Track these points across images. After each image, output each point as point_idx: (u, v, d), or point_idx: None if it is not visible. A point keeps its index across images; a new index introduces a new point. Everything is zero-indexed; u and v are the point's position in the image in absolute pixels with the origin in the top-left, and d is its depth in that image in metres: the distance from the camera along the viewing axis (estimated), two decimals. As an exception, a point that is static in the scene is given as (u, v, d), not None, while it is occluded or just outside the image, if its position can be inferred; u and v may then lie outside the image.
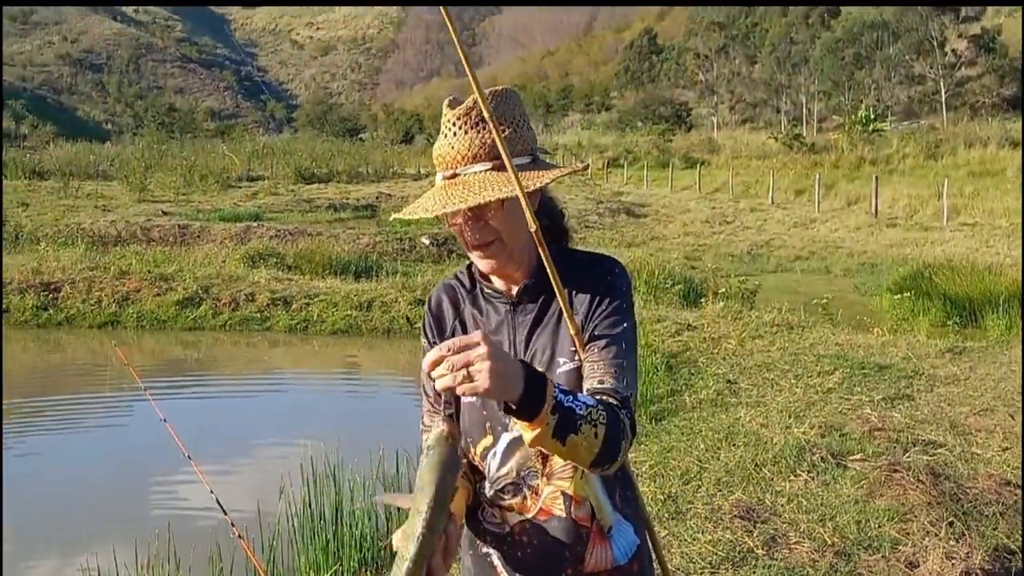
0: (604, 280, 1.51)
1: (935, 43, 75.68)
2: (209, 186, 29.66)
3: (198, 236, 18.05)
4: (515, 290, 1.54)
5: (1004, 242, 15.68)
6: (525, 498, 1.50)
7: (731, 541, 3.91)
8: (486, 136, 1.41)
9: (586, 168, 1.61)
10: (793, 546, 3.84)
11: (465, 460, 1.54)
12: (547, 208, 1.59)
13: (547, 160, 1.54)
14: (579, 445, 1.27)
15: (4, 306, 10.69)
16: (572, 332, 1.43)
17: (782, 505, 4.31)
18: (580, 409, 1.27)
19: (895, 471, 4.54)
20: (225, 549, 3.72)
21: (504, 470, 1.51)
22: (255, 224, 19.03)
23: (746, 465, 4.90)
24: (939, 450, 5.18)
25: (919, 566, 3.60)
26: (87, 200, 25.04)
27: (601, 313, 1.48)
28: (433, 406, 1.55)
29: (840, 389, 6.57)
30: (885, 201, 21.76)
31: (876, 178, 22.17)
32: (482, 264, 1.50)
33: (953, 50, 78.92)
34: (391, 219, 1.65)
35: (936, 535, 3.83)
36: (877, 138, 36.68)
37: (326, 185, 32.61)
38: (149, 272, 11.52)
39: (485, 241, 1.46)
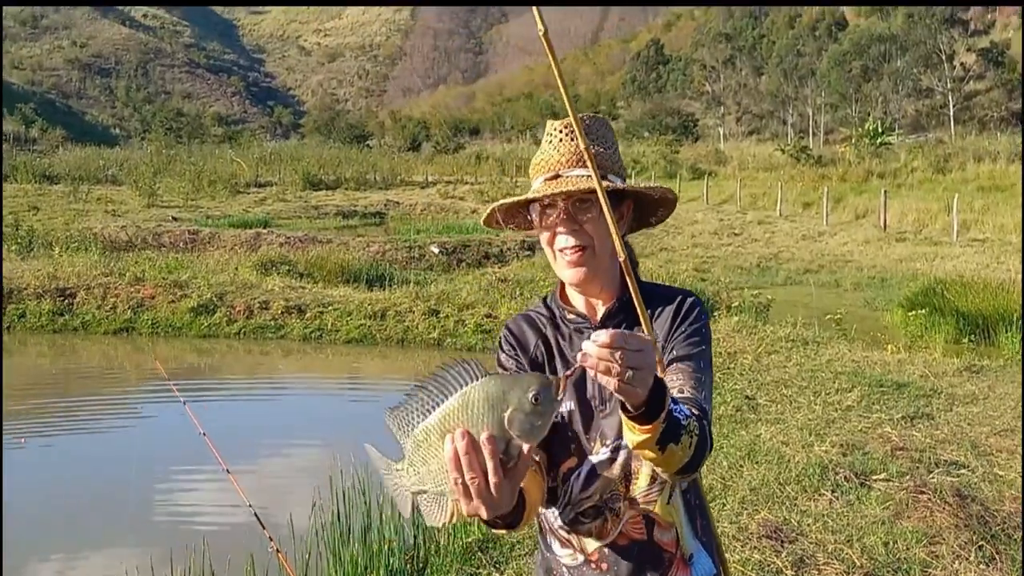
0: (682, 308, 1.57)
1: (943, 56, 75.76)
2: (218, 192, 29.79)
3: (208, 242, 18.12)
4: (599, 314, 1.58)
5: (1015, 258, 15.63)
6: (606, 521, 1.52)
7: (760, 561, 3.91)
8: (594, 145, 1.52)
9: (673, 197, 1.65)
10: (822, 567, 3.84)
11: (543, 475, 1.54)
12: (625, 242, 1.62)
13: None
14: (675, 454, 1.30)
15: (21, 311, 10.72)
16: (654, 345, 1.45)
17: (808, 525, 4.31)
18: (683, 419, 1.30)
19: (921, 492, 4.54)
20: (259, 562, 3.73)
21: (587, 493, 1.52)
22: (265, 231, 19.09)
23: (770, 483, 4.90)
24: (962, 471, 5.17)
25: (950, 590, 3.60)
26: (97, 205, 25.14)
27: (680, 335, 1.53)
28: None
29: (859, 407, 6.56)
30: (894, 215, 21.74)
31: (885, 192, 22.17)
32: (571, 273, 1.52)
33: (962, 63, 79.03)
34: (483, 219, 1.69)
35: (966, 559, 3.83)
36: (885, 151, 36.70)
37: (334, 192, 32.74)
38: (164, 279, 11.54)
39: (579, 245, 1.51)
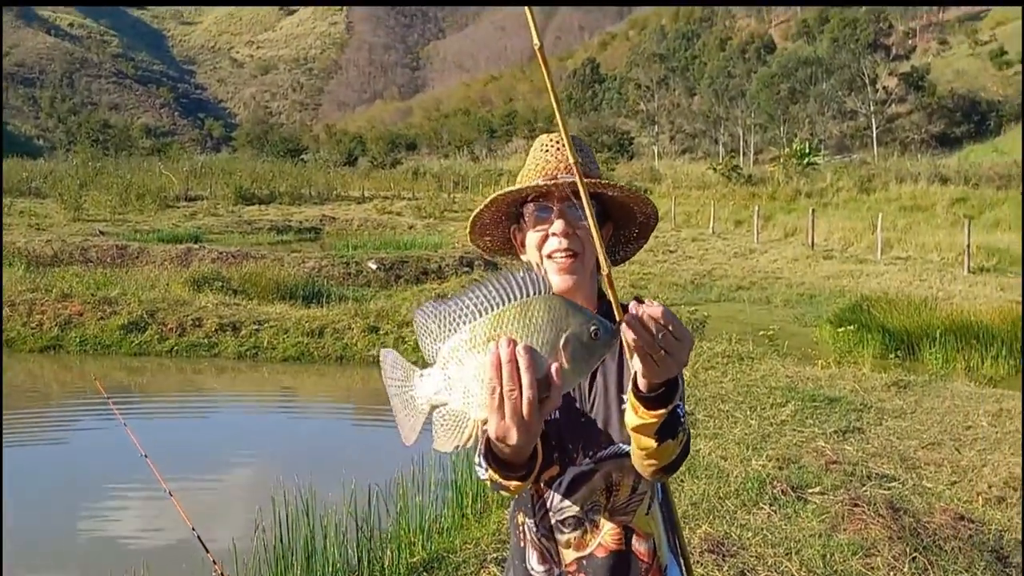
0: None
1: (867, 80, 78.66)
2: (146, 205, 29.03)
3: (137, 257, 17.62)
4: None
5: (936, 276, 16.28)
6: (585, 532, 1.52)
7: (702, 576, 3.97)
8: (581, 158, 1.52)
9: (654, 211, 1.68)
10: (763, 581, 3.92)
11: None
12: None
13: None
14: (668, 448, 1.32)
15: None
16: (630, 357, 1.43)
17: (748, 539, 4.39)
18: (682, 416, 1.34)
19: (856, 505, 4.67)
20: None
21: (567, 502, 1.52)
22: (196, 246, 18.65)
23: (710, 498, 4.98)
24: (893, 484, 5.34)
25: (886, 600, 3.71)
26: (20, 218, 24.26)
27: None
28: None
29: (793, 421, 6.73)
30: (821, 233, 22.42)
31: (812, 211, 22.85)
32: (560, 278, 1.54)
33: (884, 87, 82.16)
34: (491, 197, 1.65)
35: (900, 570, 3.95)
36: (812, 171, 37.84)
37: (267, 207, 32.21)
38: (92, 295, 11.19)
39: (572, 250, 1.54)
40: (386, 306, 11.81)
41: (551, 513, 1.53)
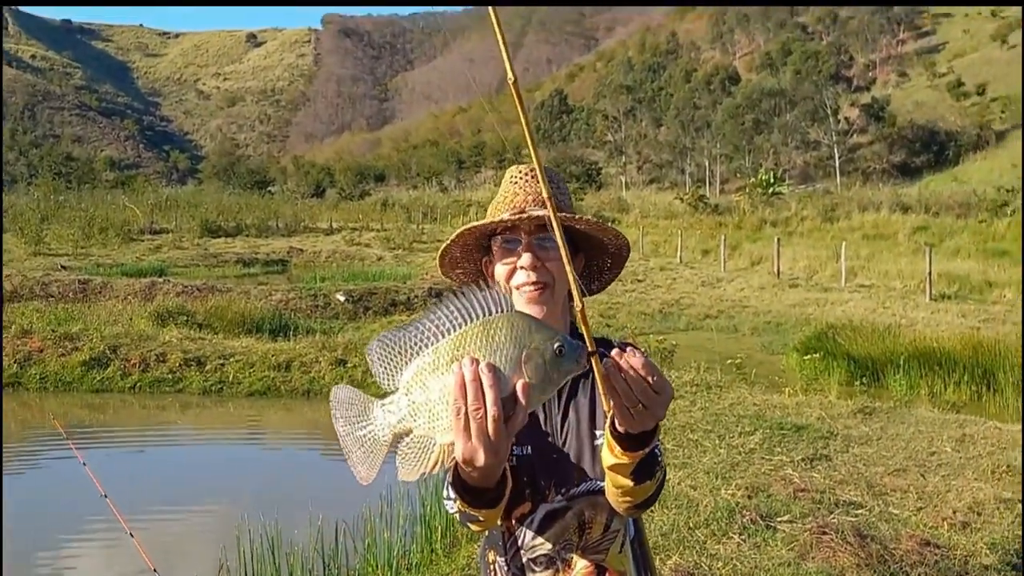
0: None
1: (829, 111, 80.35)
2: (109, 239, 28.70)
3: (100, 292, 17.36)
4: None
5: (899, 303, 16.54)
6: (557, 571, 1.50)
7: (673, 608, 3.97)
8: (551, 191, 1.51)
9: (627, 243, 1.69)
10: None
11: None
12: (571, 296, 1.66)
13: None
14: (646, 488, 1.32)
15: None
16: (603, 393, 1.36)
17: (719, 569, 4.40)
18: (660, 456, 1.34)
19: (824, 533, 4.70)
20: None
21: (539, 540, 1.50)
22: (160, 280, 18.44)
23: (680, 528, 4.99)
24: (860, 511, 5.39)
25: (854, 628, 3.73)
26: (-22, 252, 23.83)
27: None
28: None
29: (761, 449, 6.78)
30: (786, 261, 22.73)
31: (778, 240, 23.18)
32: (528, 310, 1.52)
33: (846, 118, 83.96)
34: (458, 231, 1.65)
35: (867, 596, 3.98)
36: (777, 200, 38.44)
37: (234, 239, 32.00)
38: (53, 331, 11.00)
39: (542, 282, 1.54)
40: (354, 338, 11.74)
41: (523, 551, 1.51)
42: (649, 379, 1.17)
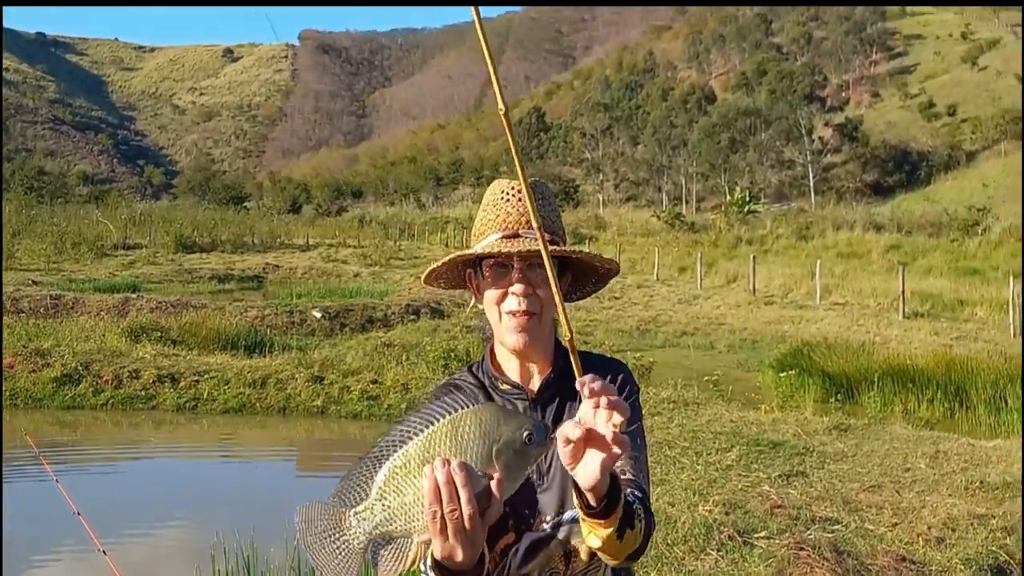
0: (616, 381, 1.57)
1: (803, 130, 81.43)
2: (82, 254, 28.41)
3: (72, 307, 17.17)
4: (535, 385, 1.58)
5: (874, 321, 16.74)
6: None
7: (651, 625, 3.97)
8: (545, 212, 1.54)
9: (616, 267, 1.67)
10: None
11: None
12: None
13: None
14: (630, 540, 1.28)
15: None
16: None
17: (696, 586, 4.42)
18: (634, 503, 1.30)
19: (801, 549, 4.73)
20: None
21: (525, 570, 1.49)
22: (134, 295, 18.27)
23: (658, 544, 5.00)
24: (836, 527, 5.43)
25: (830, 644, 3.75)
26: (-54, 267, 23.47)
27: None
28: None
29: (738, 466, 6.82)
30: (762, 279, 22.93)
31: (754, 258, 23.40)
32: (517, 338, 1.52)
33: (820, 137, 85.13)
34: (424, 277, 1.68)
35: (844, 612, 4.00)
36: (752, 219, 38.83)
37: (209, 255, 31.78)
38: (24, 347, 10.85)
39: (531, 310, 1.51)
40: (331, 355, 11.69)
41: None
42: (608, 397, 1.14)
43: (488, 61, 1.26)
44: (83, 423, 9.44)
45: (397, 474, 1.11)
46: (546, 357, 1.59)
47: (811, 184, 79.34)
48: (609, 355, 1.68)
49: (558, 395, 1.57)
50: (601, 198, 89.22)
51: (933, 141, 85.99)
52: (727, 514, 5.57)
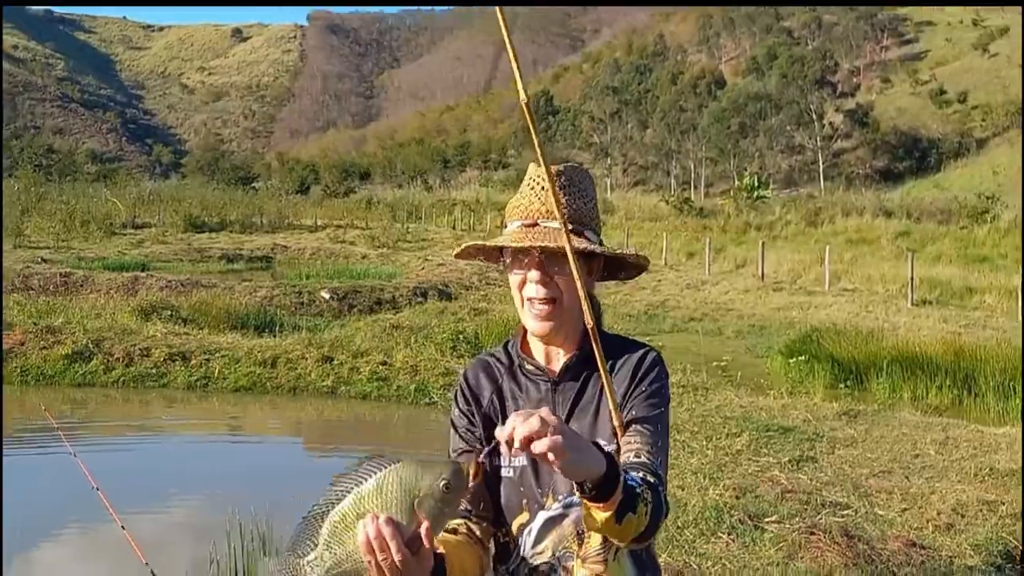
0: (642, 366, 1.59)
1: (814, 115, 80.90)
2: (91, 233, 28.46)
3: (81, 285, 17.23)
4: (557, 366, 1.61)
5: (883, 308, 16.68)
6: None
7: (663, 606, 3.98)
8: (569, 201, 1.56)
9: (647, 262, 1.70)
10: (722, 610, 3.95)
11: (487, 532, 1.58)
12: (590, 297, 1.63)
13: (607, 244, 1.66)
14: (631, 523, 1.31)
15: None
16: (612, 409, 1.47)
17: (708, 568, 4.43)
18: (637, 487, 1.32)
19: (812, 533, 4.74)
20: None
21: (539, 548, 1.54)
22: (143, 274, 18.32)
23: (668, 527, 5.01)
24: (847, 512, 5.44)
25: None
26: (-43, 244, 23.56)
27: (639, 395, 1.55)
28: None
29: (748, 451, 6.82)
30: (770, 265, 22.84)
31: (763, 244, 23.30)
32: (537, 325, 1.56)
33: (830, 123, 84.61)
34: (455, 253, 1.72)
35: (856, 596, 4.01)
36: (761, 204, 38.65)
37: (218, 234, 31.81)
38: (34, 324, 10.89)
39: (549, 296, 1.54)
40: (340, 336, 11.71)
41: (524, 561, 1.55)
42: (526, 439, 1.18)
43: (512, 57, 1.31)
44: (94, 400, 9.49)
45: (337, 528, 1.25)
46: (571, 340, 1.61)
47: (821, 170, 78.95)
48: (647, 343, 1.69)
49: (581, 376, 1.59)
50: (609, 182, 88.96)
51: (943, 128, 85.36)
52: (738, 498, 5.58)
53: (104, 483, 3.42)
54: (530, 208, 1.56)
